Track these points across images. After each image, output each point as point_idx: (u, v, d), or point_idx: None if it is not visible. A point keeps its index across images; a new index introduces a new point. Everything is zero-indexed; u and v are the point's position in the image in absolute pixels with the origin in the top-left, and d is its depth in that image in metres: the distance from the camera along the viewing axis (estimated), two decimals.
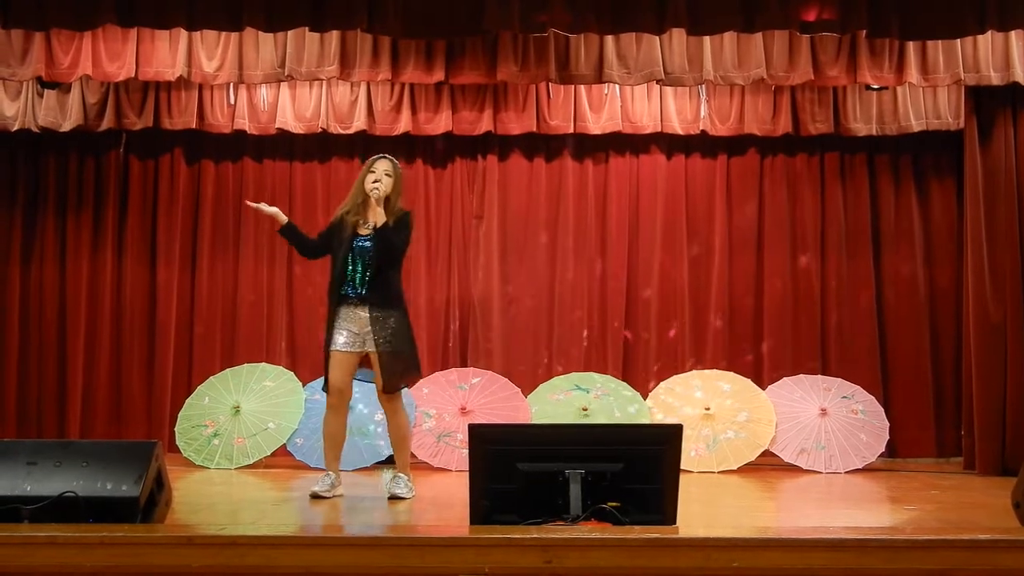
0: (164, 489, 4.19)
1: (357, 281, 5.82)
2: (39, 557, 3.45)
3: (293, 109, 8.15)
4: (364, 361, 5.94)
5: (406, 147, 8.42)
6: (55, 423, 8.28)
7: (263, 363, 7.95)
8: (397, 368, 5.81)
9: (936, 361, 8.37)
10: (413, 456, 7.41)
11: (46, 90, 7.91)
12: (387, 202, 5.86)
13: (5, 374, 8.31)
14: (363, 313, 5.80)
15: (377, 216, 5.83)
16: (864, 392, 7.82)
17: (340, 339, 5.82)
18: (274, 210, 6.05)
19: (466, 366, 8.19)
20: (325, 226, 6.11)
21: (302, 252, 6.25)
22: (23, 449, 4.11)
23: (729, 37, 7.12)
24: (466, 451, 4.20)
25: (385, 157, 5.97)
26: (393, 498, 5.76)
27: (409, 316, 5.97)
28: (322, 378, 5.90)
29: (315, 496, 5.78)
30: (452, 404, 7.54)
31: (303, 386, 7.63)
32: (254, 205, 6.20)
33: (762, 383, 7.99)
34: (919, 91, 7.97)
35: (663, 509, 3.94)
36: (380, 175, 5.85)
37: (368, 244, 5.82)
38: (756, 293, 8.49)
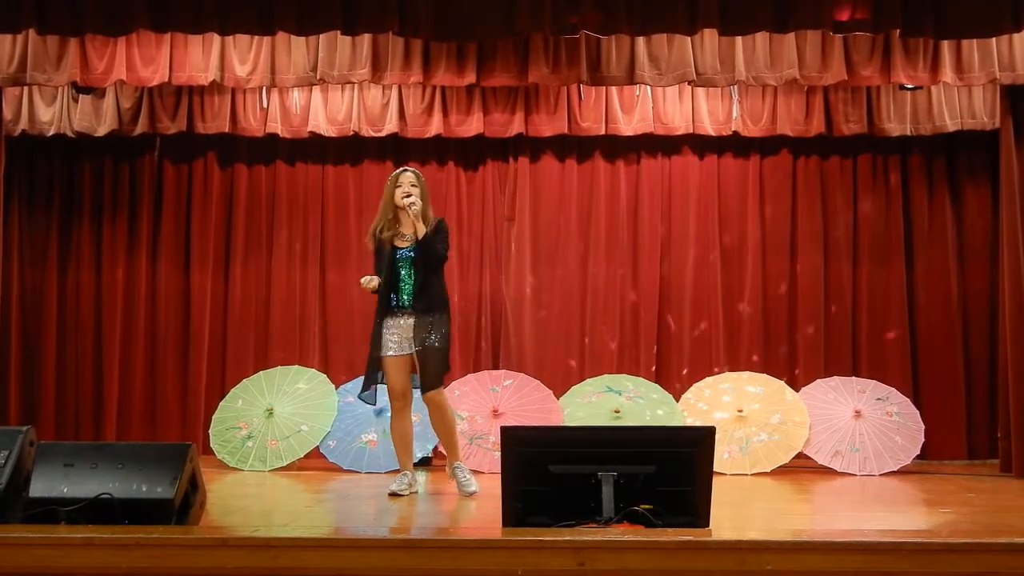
0: (198, 491, 4.21)
1: (404, 292, 6.01)
2: (76, 558, 3.49)
3: (325, 112, 8.18)
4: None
5: (437, 150, 8.45)
6: (91, 426, 8.36)
7: (296, 365, 7.98)
8: (430, 365, 5.97)
9: (968, 364, 8.29)
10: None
11: (81, 95, 7.98)
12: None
13: (42, 377, 8.39)
14: (409, 320, 5.99)
15: (416, 227, 5.97)
16: (899, 394, 7.76)
17: (390, 345, 6.00)
18: (373, 285, 6.08)
19: (497, 368, 8.19)
20: (372, 255, 6.24)
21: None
22: (60, 451, 4.14)
23: (761, 37, 7.08)
24: (498, 453, 4.21)
25: (407, 170, 6.16)
26: (471, 494, 5.97)
27: (451, 317, 6.14)
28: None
29: (393, 495, 5.94)
30: (484, 406, 7.54)
31: (336, 389, 7.67)
32: (366, 284, 6.12)
33: (795, 384, 7.94)
34: (954, 90, 7.89)
35: (696, 511, 3.92)
36: (407, 188, 6.01)
37: (410, 255, 6.00)
38: (789, 294, 8.44)
